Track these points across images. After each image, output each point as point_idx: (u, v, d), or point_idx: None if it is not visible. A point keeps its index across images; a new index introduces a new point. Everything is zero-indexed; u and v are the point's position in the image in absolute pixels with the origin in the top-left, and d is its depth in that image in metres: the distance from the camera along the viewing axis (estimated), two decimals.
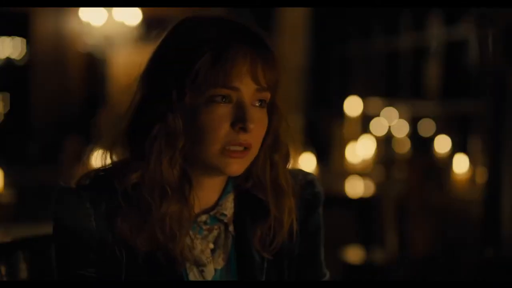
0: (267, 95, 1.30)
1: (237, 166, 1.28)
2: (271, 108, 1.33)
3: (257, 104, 1.29)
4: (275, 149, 1.36)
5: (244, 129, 1.26)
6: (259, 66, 1.27)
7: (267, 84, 1.29)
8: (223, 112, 1.26)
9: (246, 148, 1.28)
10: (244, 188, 1.37)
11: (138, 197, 1.27)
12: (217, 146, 1.26)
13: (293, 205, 1.37)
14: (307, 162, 4.80)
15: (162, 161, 1.26)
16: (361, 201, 5.15)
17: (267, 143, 1.34)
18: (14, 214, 3.73)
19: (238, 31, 1.29)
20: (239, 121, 1.26)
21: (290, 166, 1.42)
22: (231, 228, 1.36)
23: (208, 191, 1.34)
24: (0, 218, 3.56)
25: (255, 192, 1.36)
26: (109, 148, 1.32)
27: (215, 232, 1.35)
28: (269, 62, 1.29)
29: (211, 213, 1.34)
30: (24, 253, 1.53)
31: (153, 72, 1.30)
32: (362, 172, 5.53)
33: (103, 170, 1.32)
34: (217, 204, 1.35)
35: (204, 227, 1.34)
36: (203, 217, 1.34)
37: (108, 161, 1.32)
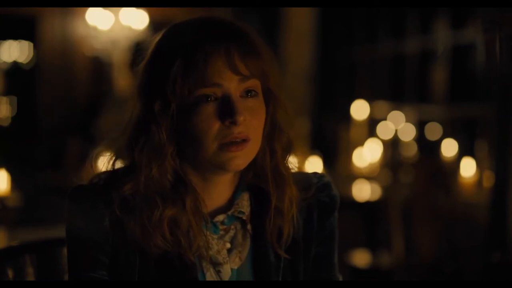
0: (254, 83, 1.29)
1: (238, 160, 1.27)
2: (268, 96, 1.32)
3: (248, 95, 1.28)
4: (274, 137, 1.34)
5: (234, 122, 1.25)
6: (236, 56, 1.26)
7: (251, 72, 1.27)
8: (210, 110, 1.25)
9: (244, 140, 1.27)
10: (247, 180, 1.36)
11: (136, 206, 1.27)
12: (214, 144, 1.26)
13: (294, 194, 1.36)
14: (314, 165, 4.80)
15: (151, 171, 1.27)
16: (367, 204, 5.15)
17: (266, 131, 1.33)
18: (21, 218, 3.73)
19: (211, 30, 1.28)
20: (227, 115, 1.25)
21: (299, 166, 1.41)
22: (249, 226, 1.35)
23: (219, 188, 1.34)
24: (7, 222, 3.56)
25: (256, 182, 1.35)
26: (113, 157, 1.33)
27: (231, 232, 1.34)
28: (248, 50, 1.27)
29: (229, 212, 1.34)
30: (31, 256, 1.53)
31: (141, 86, 1.31)
32: (369, 175, 5.53)
33: (114, 172, 1.32)
34: (232, 202, 1.35)
35: (220, 227, 1.33)
36: (220, 217, 1.33)
37: (116, 166, 1.33)
